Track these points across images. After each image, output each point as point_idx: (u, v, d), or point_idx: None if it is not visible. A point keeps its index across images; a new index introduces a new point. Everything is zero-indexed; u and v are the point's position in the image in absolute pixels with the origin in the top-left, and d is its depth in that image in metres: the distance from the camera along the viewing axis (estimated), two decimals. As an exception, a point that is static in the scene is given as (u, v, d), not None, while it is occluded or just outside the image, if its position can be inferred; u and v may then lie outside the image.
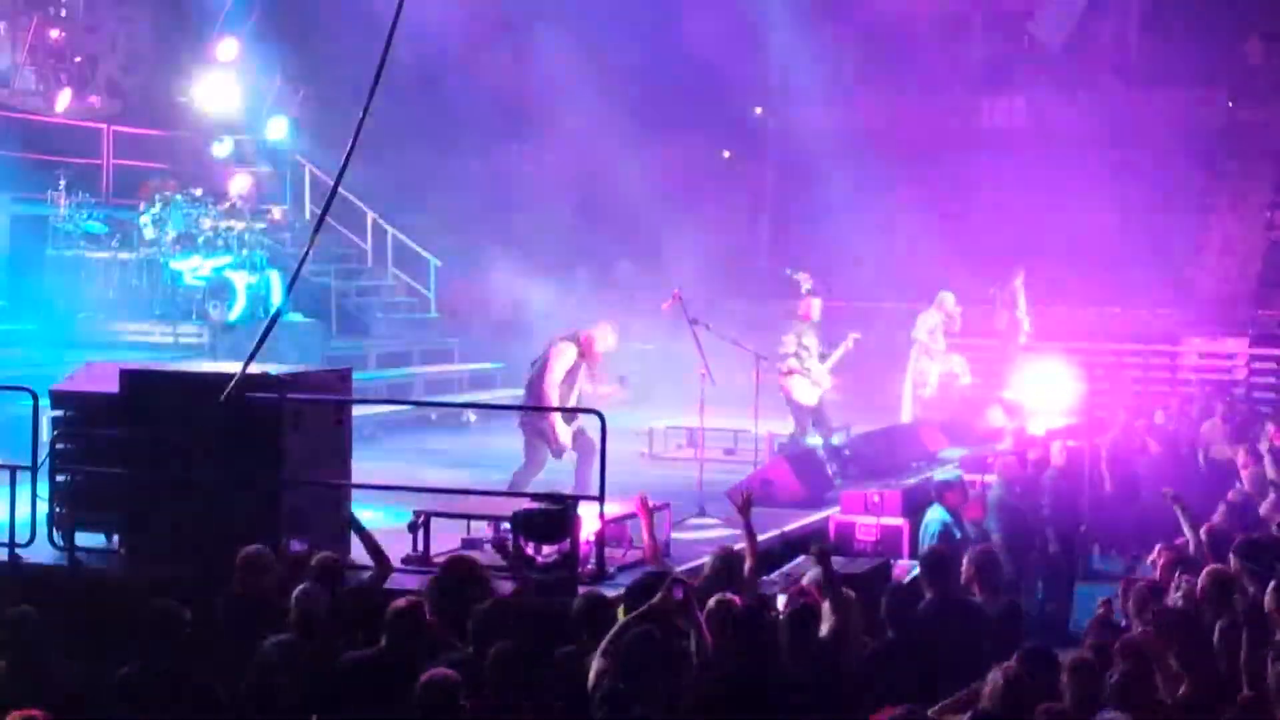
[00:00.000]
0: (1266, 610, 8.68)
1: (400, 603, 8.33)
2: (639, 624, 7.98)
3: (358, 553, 10.47)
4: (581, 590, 9.61)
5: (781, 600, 9.19)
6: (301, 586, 8.65)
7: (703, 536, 12.60)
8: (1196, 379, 24.53)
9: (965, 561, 10.06)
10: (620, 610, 8.55)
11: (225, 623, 8.87)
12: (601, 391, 14.18)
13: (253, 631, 8.60)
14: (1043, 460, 15.60)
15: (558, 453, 13.84)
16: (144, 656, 8.10)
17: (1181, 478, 16.18)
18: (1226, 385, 23.65)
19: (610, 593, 9.45)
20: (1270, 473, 14.31)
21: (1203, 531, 11.09)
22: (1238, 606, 8.81)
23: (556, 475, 13.38)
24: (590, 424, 12.92)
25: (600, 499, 10.68)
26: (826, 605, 8.68)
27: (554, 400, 13.62)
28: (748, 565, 9.69)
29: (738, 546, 9.94)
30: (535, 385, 13.87)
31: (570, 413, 13.65)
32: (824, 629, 8.53)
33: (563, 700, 8.05)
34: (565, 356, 13.81)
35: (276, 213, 23.91)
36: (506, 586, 9.82)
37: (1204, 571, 9.42)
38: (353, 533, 10.09)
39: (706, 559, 9.70)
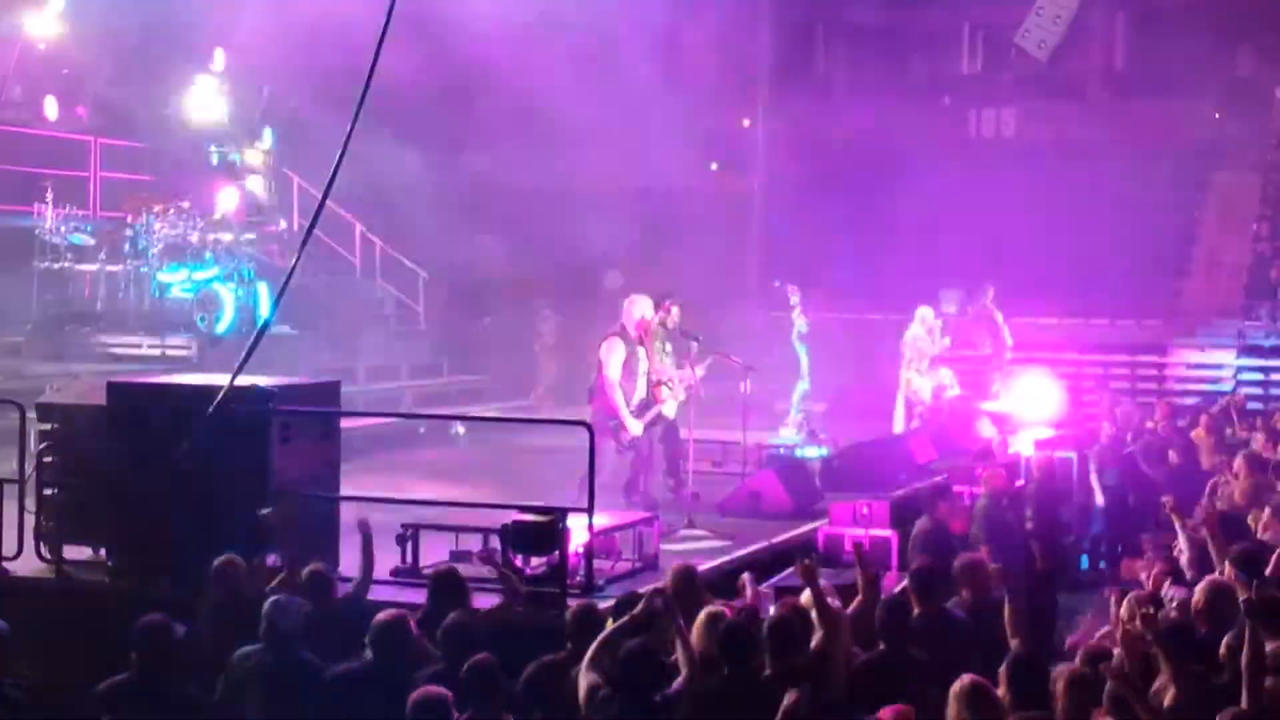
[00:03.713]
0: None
1: (386, 615, 8.32)
2: (626, 636, 7.98)
3: (346, 566, 10.47)
4: (571, 602, 9.62)
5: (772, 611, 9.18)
6: (273, 599, 8.66)
7: (692, 548, 12.59)
8: (1181, 389, 24.59)
9: (955, 567, 10.12)
10: (609, 624, 8.56)
11: (205, 633, 8.86)
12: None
13: (232, 641, 8.61)
14: (1028, 472, 15.61)
15: (627, 446, 13.91)
16: (135, 669, 8.10)
17: (1170, 488, 16.21)
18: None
19: (600, 604, 9.45)
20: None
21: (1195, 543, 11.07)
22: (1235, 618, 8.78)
23: (539, 489, 13.34)
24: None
25: (589, 511, 10.66)
26: (815, 618, 8.69)
27: (619, 397, 13.70)
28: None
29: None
30: (597, 388, 13.93)
31: (637, 409, 14.13)
32: (813, 642, 8.54)
33: (544, 709, 8.04)
34: (617, 351, 13.91)
35: (264, 225, 23.88)
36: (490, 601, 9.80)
37: (1203, 582, 9.40)
38: (363, 545, 10.02)
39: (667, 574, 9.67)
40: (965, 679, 7.47)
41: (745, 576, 9.90)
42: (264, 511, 10.08)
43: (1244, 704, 7.53)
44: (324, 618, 9.01)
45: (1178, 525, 11.28)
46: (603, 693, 7.70)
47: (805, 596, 9.11)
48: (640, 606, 8.21)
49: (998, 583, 10.36)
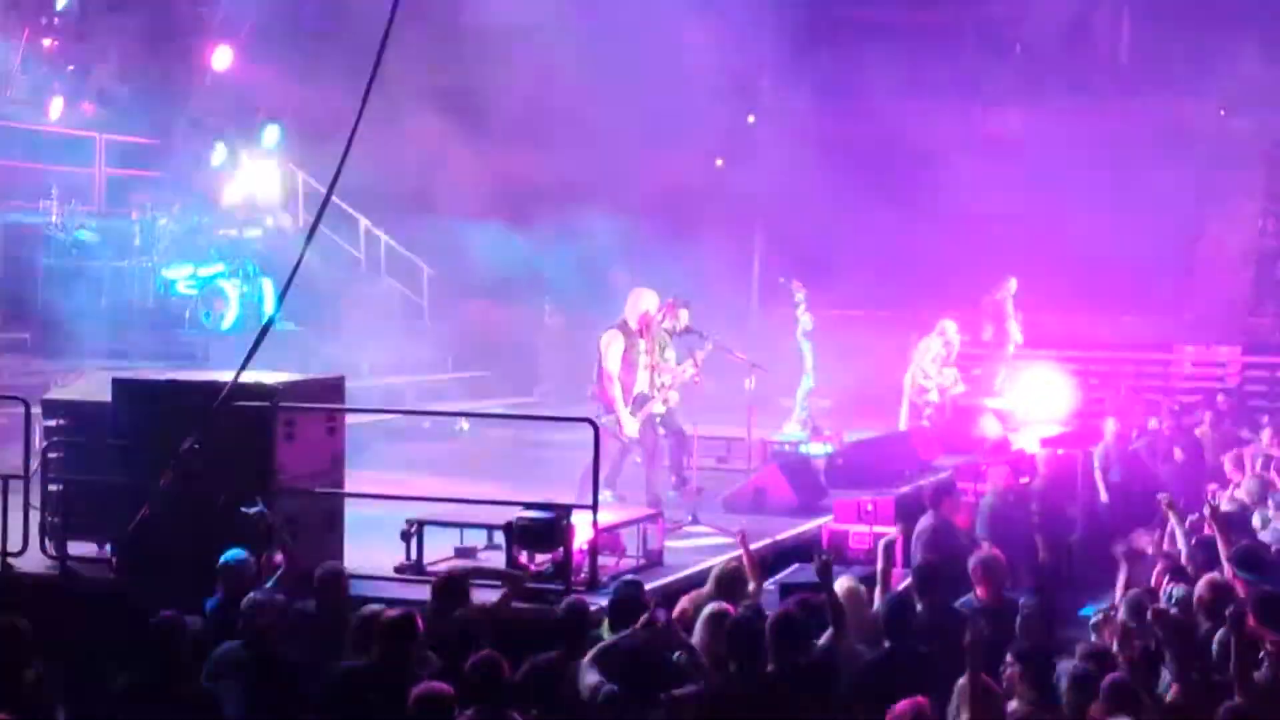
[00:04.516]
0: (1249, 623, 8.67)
1: (393, 613, 8.33)
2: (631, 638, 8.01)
3: (351, 562, 10.49)
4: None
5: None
6: (250, 595, 8.68)
7: (696, 544, 12.61)
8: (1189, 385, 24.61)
9: (971, 564, 10.16)
10: (605, 627, 8.57)
11: (211, 628, 8.87)
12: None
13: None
14: (1033, 468, 15.61)
15: (627, 445, 13.93)
16: (147, 666, 8.10)
17: (1175, 485, 16.21)
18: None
19: (603, 601, 9.47)
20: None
21: (1194, 540, 11.08)
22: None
23: (544, 486, 13.34)
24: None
25: (594, 508, 10.67)
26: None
27: (616, 391, 13.73)
28: (750, 586, 9.72)
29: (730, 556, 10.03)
30: (596, 382, 13.96)
31: (637, 402, 14.13)
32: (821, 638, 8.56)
33: (540, 707, 8.04)
34: (615, 344, 13.92)
35: (269, 221, 23.89)
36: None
37: (1202, 580, 9.41)
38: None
39: (709, 579, 9.68)
40: (970, 675, 7.50)
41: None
42: (253, 510, 10.03)
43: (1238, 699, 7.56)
44: (331, 617, 9.02)
45: (1175, 522, 11.29)
46: (606, 690, 7.70)
47: (841, 584, 9.16)
48: (641, 623, 8.22)
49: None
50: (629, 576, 9.91)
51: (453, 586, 9.18)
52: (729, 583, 9.35)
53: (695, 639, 8.45)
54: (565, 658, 8.33)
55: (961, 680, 7.52)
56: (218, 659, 8.50)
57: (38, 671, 8.11)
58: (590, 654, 8.03)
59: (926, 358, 19.54)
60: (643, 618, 8.26)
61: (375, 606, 8.65)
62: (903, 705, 7.17)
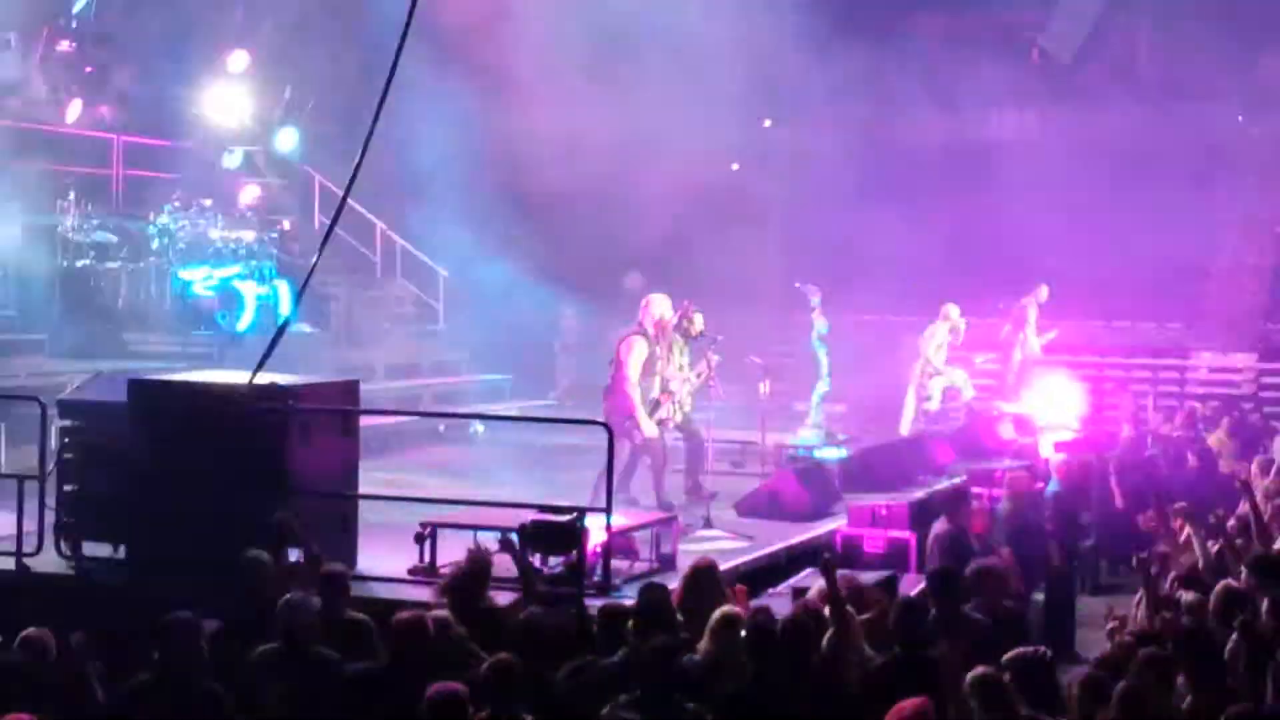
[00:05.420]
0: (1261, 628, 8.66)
1: (404, 615, 8.33)
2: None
3: (365, 564, 10.50)
4: (589, 602, 9.63)
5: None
6: (287, 597, 8.67)
7: (709, 548, 12.57)
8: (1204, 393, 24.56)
9: (968, 574, 10.12)
10: (630, 626, 8.55)
11: (228, 629, 8.88)
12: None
13: (255, 638, 8.62)
14: (1048, 474, 15.59)
15: (641, 449, 13.93)
16: (161, 666, 8.11)
17: (1189, 492, 16.17)
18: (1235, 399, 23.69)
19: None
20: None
21: (1212, 547, 11.04)
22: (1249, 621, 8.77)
23: (558, 488, 13.34)
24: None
25: (608, 511, 10.68)
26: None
27: (637, 396, 13.72)
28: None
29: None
30: (616, 386, 13.93)
31: (648, 406, 14.18)
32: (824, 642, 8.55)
33: (572, 710, 8.03)
34: (638, 350, 13.91)
35: (285, 223, 23.90)
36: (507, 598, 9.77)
37: (1217, 587, 9.38)
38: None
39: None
40: (978, 670, 7.49)
41: None
42: (279, 515, 10.05)
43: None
44: (336, 618, 9.02)
45: (1192, 530, 11.26)
46: (624, 698, 7.68)
47: (814, 592, 9.12)
48: None
49: (1017, 586, 10.36)
50: (654, 580, 9.88)
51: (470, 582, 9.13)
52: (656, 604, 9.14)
53: (704, 644, 8.43)
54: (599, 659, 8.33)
55: (968, 675, 7.50)
56: (257, 660, 8.48)
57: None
58: (617, 659, 8.02)
59: (932, 345, 19.58)
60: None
61: (410, 611, 8.59)
62: (907, 704, 7.17)
